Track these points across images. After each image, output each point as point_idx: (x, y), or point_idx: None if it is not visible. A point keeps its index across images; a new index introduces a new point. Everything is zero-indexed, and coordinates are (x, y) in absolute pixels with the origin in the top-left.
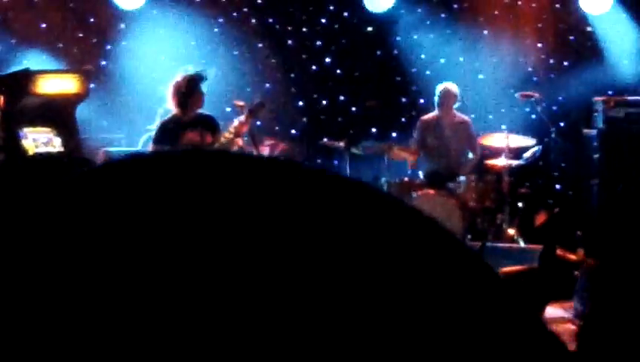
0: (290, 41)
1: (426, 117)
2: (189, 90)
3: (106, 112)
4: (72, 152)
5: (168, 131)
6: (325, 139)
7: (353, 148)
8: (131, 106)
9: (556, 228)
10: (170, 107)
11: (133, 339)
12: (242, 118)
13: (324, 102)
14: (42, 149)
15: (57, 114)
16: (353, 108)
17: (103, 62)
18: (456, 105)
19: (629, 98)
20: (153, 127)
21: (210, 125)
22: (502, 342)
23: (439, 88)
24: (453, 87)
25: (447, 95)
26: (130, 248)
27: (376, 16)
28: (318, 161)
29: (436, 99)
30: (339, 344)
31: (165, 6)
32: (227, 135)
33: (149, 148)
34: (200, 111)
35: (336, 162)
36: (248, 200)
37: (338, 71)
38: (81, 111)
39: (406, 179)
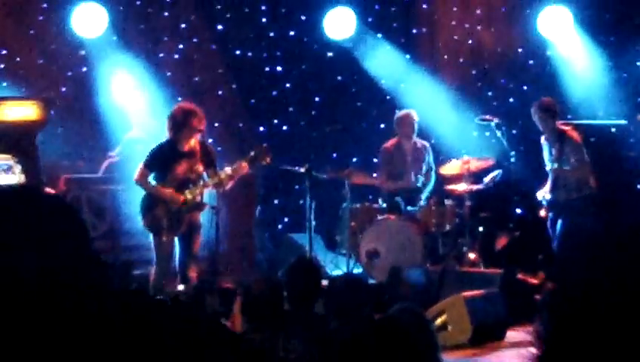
0: (250, 67)
1: (387, 144)
2: (182, 121)
3: (67, 139)
4: (29, 182)
5: (162, 157)
6: (286, 165)
7: (314, 174)
8: (92, 133)
9: (517, 251)
10: (136, 133)
11: None
12: (244, 162)
13: (285, 127)
14: (2, 177)
15: (18, 141)
16: (314, 134)
17: (64, 89)
18: (415, 131)
19: (588, 122)
20: (114, 154)
21: (205, 158)
22: None
23: (398, 115)
24: (412, 113)
25: (406, 121)
26: None
27: (337, 41)
28: (279, 186)
29: (396, 125)
30: None
31: (125, 33)
32: (224, 175)
33: (138, 169)
34: (201, 142)
35: (297, 187)
36: None
37: (298, 96)
38: (42, 138)
39: (367, 204)
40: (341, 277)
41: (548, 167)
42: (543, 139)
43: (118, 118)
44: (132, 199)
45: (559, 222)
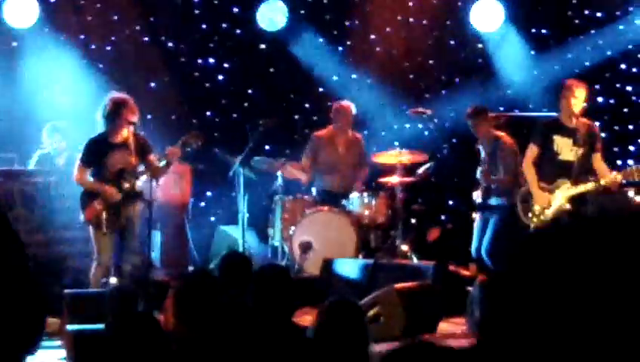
0: (183, 59)
1: (319, 133)
2: (114, 112)
3: None
4: None
5: (96, 151)
6: (217, 150)
7: (247, 166)
8: (23, 125)
9: (449, 244)
10: (49, 133)
11: None
12: (175, 147)
13: (218, 119)
14: None
15: None
16: (247, 126)
17: None
18: (351, 123)
19: (519, 114)
20: (45, 146)
21: (139, 150)
22: None
23: (336, 105)
24: (350, 104)
25: (343, 112)
26: None
27: (270, 34)
28: (212, 178)
29: (333, 115)
30: None
31: (57, 24)
32: (158, 165)
33: (76, 167)
34: (135, 134)
35: (230, 179)
36: None
37: (231, 88)
38: None
39: (300, 196)
40: (265, 267)
41: (479, 171)
42: (478, 143)
43: (49, 110)
44: (65, 191)
45: (491, 221)
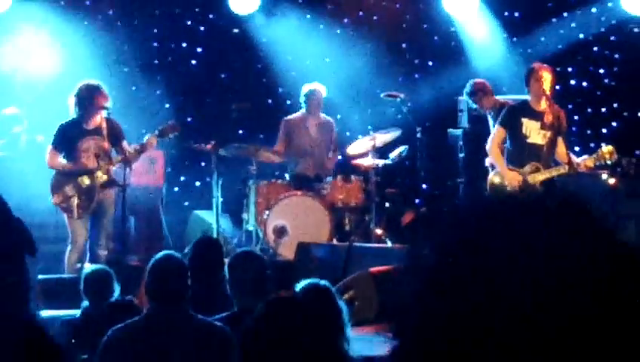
0: (155, 43)
1: (291, 117)
2: (87, 98)
3: None
4: None
5: (67, 136)
6: (192, 142)
7: (220, 151)
8: None
9: (423, 227)
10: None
11: None
12: (152, 137)
13: (191, 104)
14: None
15: None
16: (220, 110)
17: None
18: (321, 107)
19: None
20: (20, 130)
21: (112, 135)
22: None
23: (306, 88)
24: (320, 87)
25: (314, 96)
26: None
27: (242, 17)
28: (186, 163)
29: (302, 99)
30: None
31: (30, 10)
32: (131, 151)
33: (47, 151)
34: (107, 119)
35: (203, 164)
36: None
37: (204, 73)
38: None
39: (274, 181)
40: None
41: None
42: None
43: (19, 94)
44: (37, 176)
45: None
